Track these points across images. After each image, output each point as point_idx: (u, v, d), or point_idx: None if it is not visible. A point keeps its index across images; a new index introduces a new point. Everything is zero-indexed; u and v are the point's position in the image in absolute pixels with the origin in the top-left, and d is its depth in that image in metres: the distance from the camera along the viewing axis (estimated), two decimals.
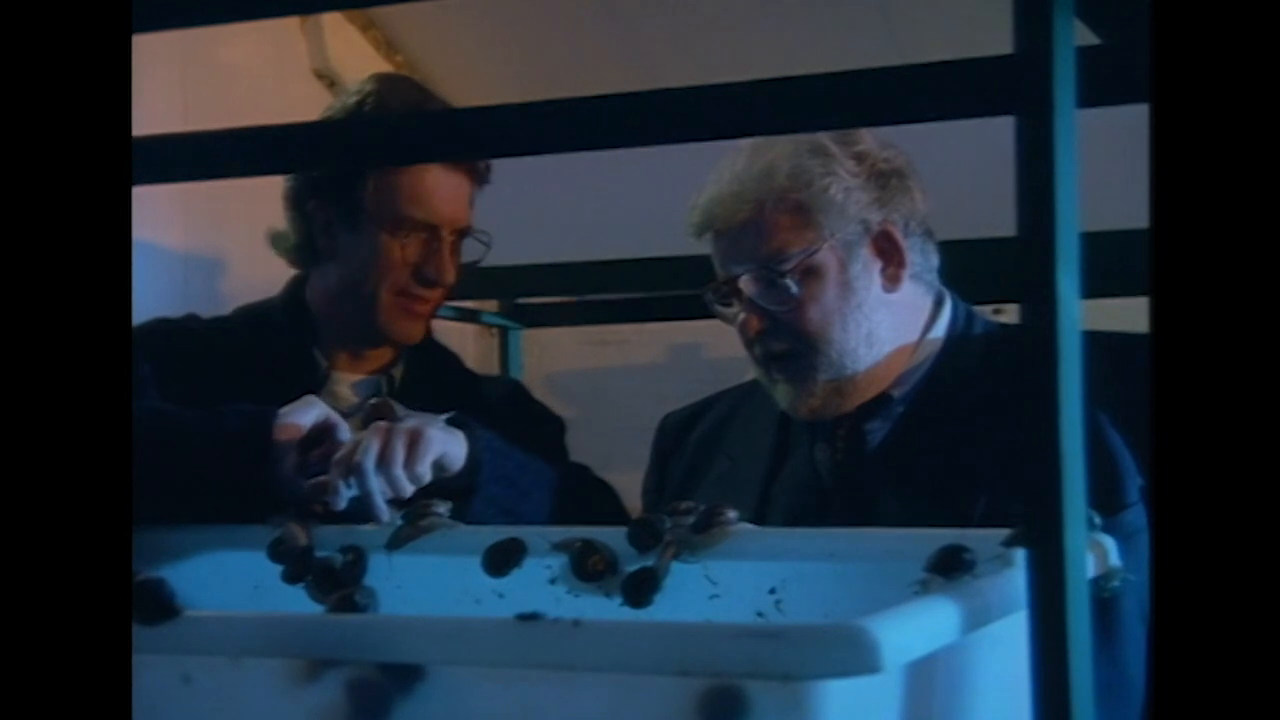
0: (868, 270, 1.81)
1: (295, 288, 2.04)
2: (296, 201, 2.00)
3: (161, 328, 2.01)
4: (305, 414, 1.71)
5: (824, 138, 1.81)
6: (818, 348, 1.80)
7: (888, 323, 1.83)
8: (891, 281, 1.82)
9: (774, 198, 1.80)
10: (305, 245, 2.01)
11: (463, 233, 1.98)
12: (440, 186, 1.95)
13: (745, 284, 1.81)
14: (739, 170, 1.81)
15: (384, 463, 1.64)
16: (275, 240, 2.06)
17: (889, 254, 1.82)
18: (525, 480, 1.81)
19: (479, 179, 2.01)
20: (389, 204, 1.94)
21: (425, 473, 1.66)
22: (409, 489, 1.65)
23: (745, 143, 1.83)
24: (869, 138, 1.84)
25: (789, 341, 1.81)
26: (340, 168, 1.87)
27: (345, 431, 1.72)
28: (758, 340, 1.83)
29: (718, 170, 1.85)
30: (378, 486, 1.63)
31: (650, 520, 1.47)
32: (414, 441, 1.65)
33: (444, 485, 1.69)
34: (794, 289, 1.79)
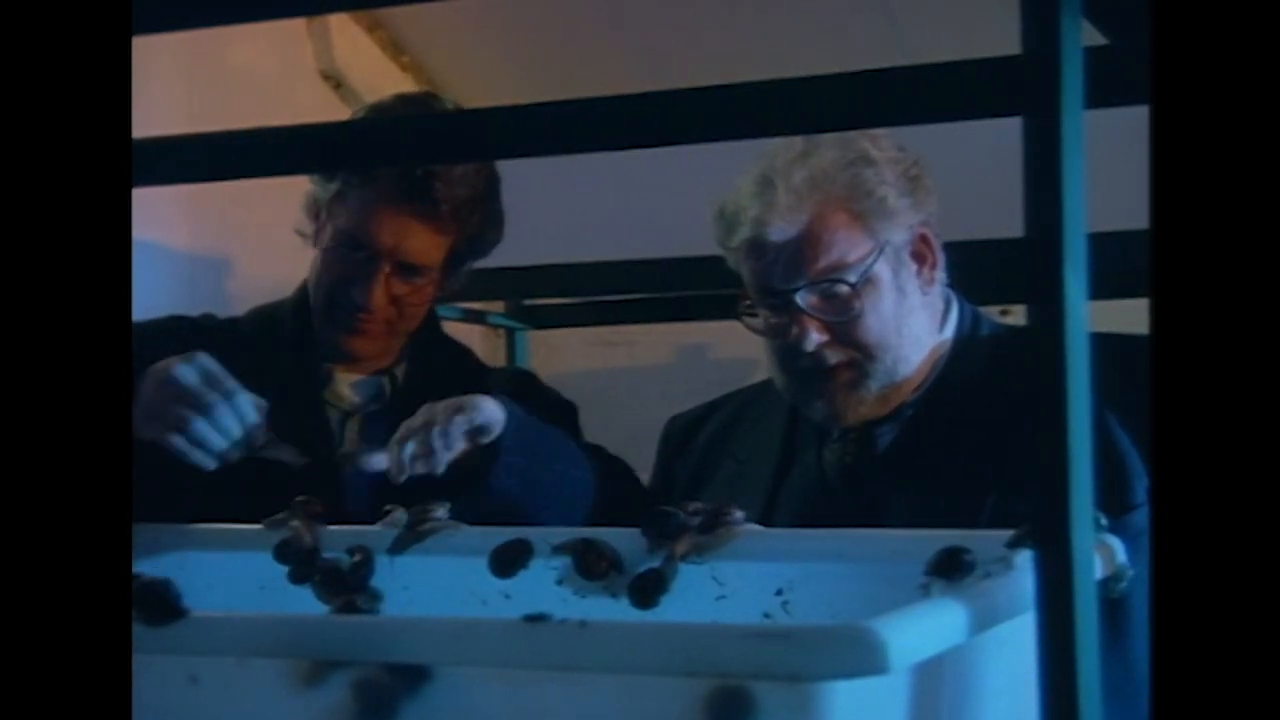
0: (910, 274, 1.82)
1: (305, 289, 2.04)
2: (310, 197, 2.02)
3: (176, 324, 2.02)
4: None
5: (865, 144, 1.81)
6: (876, 356, 1.80)
7: (925, 324, 1.84)
8: (928, 284, 1.83)
9: (831, 209, 1.79)
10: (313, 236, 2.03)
11: (409, 270, 1.94)
12: (388, 218, 1.92)
13: (804, 297, 1.79)
14: (793, 183, 1.79)
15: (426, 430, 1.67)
16: (302, 222, 2.07)
17: (924, 255, 1.83)
18: (545, 448, 1.81)
19: (456, 232, 1.96)
20: (336, 217, 1.94)
21: (457, 439, 1.68)
22: (445, 452, 1.68)
23: (775, 150, 1.82)
24: (893, 142, 1.84)
25: (848, 352, 1.80)
26: (346, 169, 1.86)
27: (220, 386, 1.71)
28: (810, 352, 1.81)
29: (756, 180, 1.82)
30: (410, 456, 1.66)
31: (668, 512, 1.47)
32: (457, 409, 1.69)
33: (469, 456, 1.71)
34: (857, 300, 1.78)
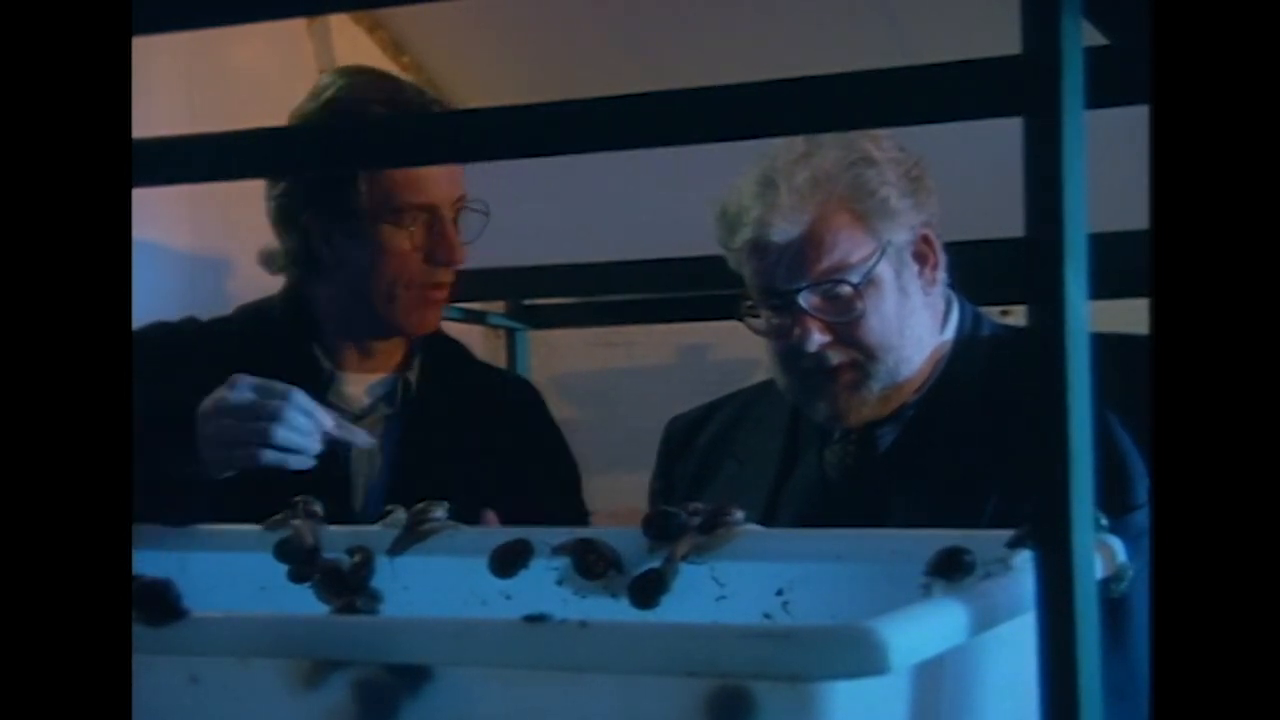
0: (912, 274, 1.82)
1: (296, 290, 2.02)
2: (288, 217, 1.97)
3: (157, 332, 1.99)
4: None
5: (867, 145, 1.81)
6: (878, 357, 1.80)
7: (927, 325, 1.84)
8: (930, 284, 1.84)
9: (833, 209, 1.79)
10: (305, 259, 1.98)
11: (460, 205, 1.96)
12: (432, 166, 1.92)
13: (806, 298, 1.79)
14: (795, 183, 1.79)
15: None
16: (269, 260, 2.02)
17: (925, 256, 1.83)
18: None
19: None
20: (387, 197, 1.92)
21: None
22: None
23: (776, 151, 1.82)
24: (894, 142, 1.84)
25: (851, 353, 1.81)
26: (345, 170, 1.86)
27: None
28: (813, 353, 1.81)
29: (758, 180, 1.82)
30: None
31: (669, 513, 1.47)
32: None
33: None
34: (860, 301, 1.78)
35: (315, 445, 1.72)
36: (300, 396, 1.73)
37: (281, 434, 1.70)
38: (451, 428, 1.99)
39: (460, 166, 1.97)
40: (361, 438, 1.79)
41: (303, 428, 1.72)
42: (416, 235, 1.93)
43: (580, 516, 2.05)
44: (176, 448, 1.72)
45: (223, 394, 1.72)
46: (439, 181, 1.93)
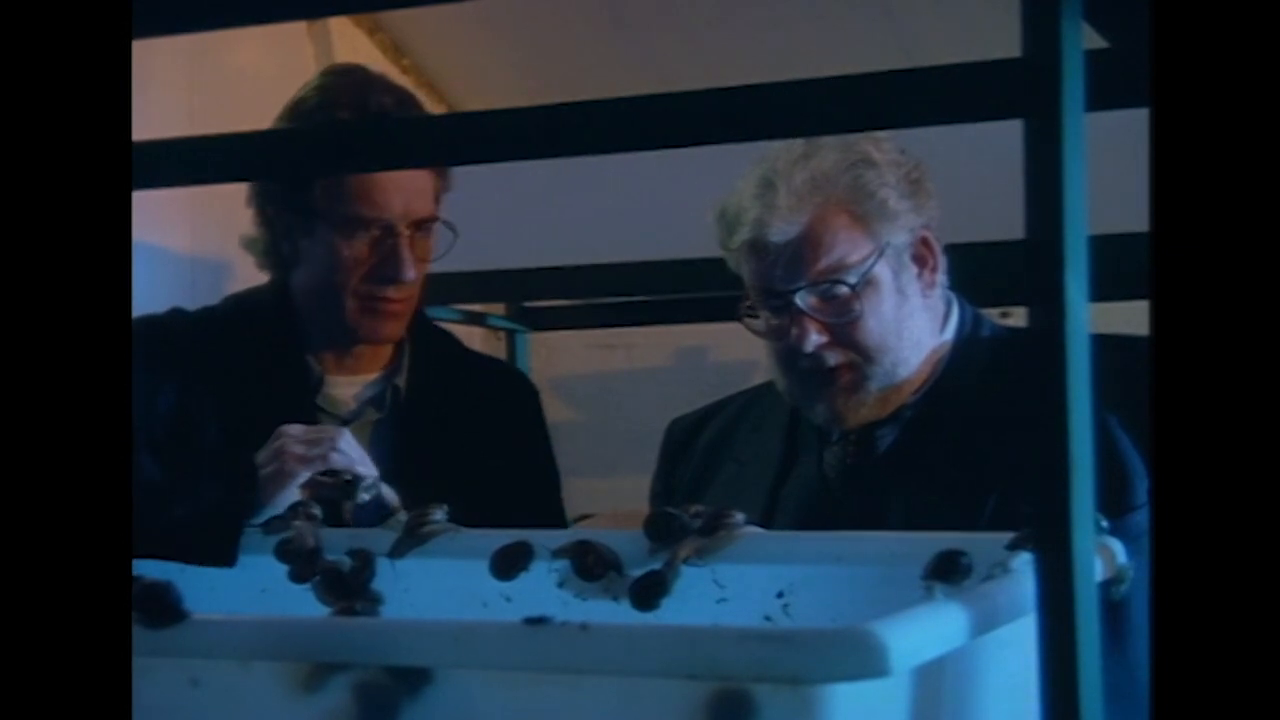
0: (911, 276, 1.82)
1: (284, 288, 2.00)
2: (259, 207, 1.96)
3: (143, 328, 1.92)
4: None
5: (867, 147, 1.81)
6: (875, 358, 1.80)
7: (926, 327, 1.85)
8: (929, 286, 1.84)
9: (832, 210, 1.80)
10: (272, 250, 1.97)
11: (422, 225, 1.92)
12: (390, 181, 1.88)
13: (803, 298, 1.80)
14: (794, 184, 1.79)
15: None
16: (248, 245, 2.01)
17: (925, 258, 1.84)
18: None
19: (440, 170, 1.94)
20: (337, 204, 1.88)
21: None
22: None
23: (776, 152, 1.82)
24: (895, 145, 1.84)
25: (848, 354, 1.81)
26: (345, 172, 1.85)
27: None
28: (810, 354, 1.81)
29: (757, 181, 1.82)
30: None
31: (670, 515, 1.47)
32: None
33: None
34: (857, 301, 1.78)
35: (372, 469, 1.75)
36: (349, 434, 1.78)
37: (344, 444, 1.74)
38: (444, 431, 1.96)
39: (433, 186, 1.94)
40: (392, 498, 1.77)
41: (357, 449, 1.75)
42: (360, 248, 1.89)
43: (556, 521, 2.04)
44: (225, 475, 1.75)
45: (282, 431, 1.76)
46: (396, 197, 1.89)
